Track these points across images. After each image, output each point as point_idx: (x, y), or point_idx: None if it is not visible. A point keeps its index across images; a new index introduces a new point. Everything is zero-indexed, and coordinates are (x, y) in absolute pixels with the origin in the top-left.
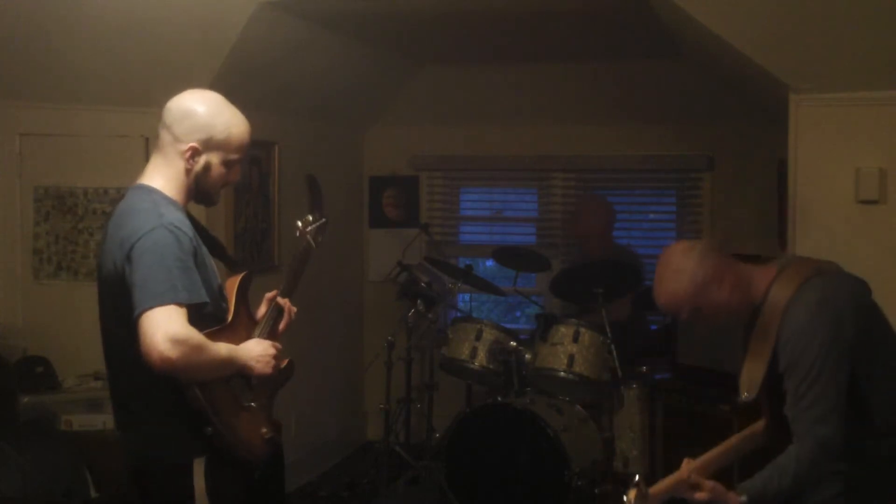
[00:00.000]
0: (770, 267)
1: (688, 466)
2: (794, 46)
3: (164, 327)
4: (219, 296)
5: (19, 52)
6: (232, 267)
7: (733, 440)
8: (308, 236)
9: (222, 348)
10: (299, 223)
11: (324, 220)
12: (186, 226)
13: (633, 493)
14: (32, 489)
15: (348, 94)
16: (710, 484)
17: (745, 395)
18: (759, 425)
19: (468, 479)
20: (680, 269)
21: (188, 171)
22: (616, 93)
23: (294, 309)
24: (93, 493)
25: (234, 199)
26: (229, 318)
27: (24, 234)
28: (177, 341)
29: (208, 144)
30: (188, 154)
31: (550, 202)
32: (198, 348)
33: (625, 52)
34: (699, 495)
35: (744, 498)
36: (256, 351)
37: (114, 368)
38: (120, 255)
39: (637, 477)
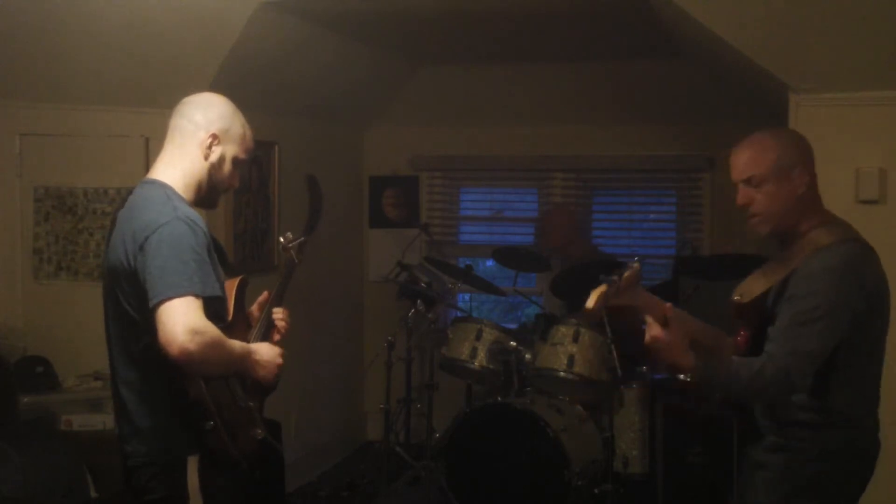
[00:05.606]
0: (824, 214)
1: (672, 309)
2: (794, 46)
3: (185, 319)
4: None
5: (19, 52)
6: (228, 271)
7: (718, 332)
8: (291, 252)
9: (236, 345)
10: (281, 239)
11: (303, 238)
12: (200, 220)
13: (603, 288)
14: (32, 489)
15: (348, 94)
16: (676, 332)
17: (736, 298)
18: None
19: (468, 479)
20: (771, 141)
21: (205, 158)
22: (616, 93)
23: (287, 324)
24: (93, 493)
25: (234, 199)
26: (229, 318)
27: (24, 234)
28: (197, 333)
29: (226, 136)
30: (210, 141)
31: (550, 202)
32: (215, 343)
33: (625, 52)
34: (658, 334)
35: (698, 363)
36: (266, 355)
37: (116, 361)
38: (132, 247)
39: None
